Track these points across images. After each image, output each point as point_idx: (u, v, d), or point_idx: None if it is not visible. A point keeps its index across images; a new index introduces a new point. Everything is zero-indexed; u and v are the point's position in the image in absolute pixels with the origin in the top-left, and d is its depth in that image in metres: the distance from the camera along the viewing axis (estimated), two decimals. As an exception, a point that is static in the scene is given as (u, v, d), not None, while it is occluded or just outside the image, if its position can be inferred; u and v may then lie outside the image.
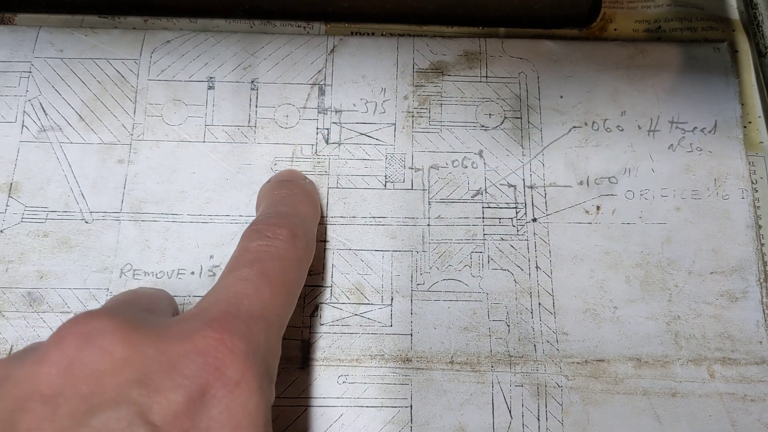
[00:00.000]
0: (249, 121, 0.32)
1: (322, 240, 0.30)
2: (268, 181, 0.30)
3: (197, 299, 0.29)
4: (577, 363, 0.29)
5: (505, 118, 0.32)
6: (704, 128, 0.32)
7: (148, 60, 0.33)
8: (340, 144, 0.32)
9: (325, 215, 0.31)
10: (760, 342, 0.29)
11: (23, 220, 0.30)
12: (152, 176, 0.31)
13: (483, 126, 0.32)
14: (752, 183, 0.32)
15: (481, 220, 0.31)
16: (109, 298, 0.29)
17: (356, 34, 0.34)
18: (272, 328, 0.22)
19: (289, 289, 0.24)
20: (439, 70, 0.33)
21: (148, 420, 0.18)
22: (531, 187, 0.31)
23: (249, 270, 0.23)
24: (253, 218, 0.30)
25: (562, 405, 0.28)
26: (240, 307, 0.22)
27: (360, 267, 0.30)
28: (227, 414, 0.19)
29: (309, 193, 0.29)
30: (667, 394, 0.28)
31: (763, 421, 0.28)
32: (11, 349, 0.28)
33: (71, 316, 0.29)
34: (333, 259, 0.30)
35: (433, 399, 0.28)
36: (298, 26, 0.34)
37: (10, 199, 0.31)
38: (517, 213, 0.31)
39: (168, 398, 0.18)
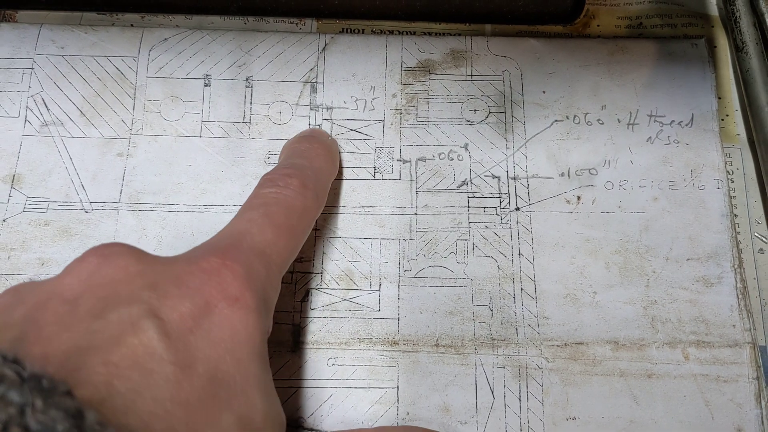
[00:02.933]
0: (244, 117, 0.33)
1: (313, 228, 0.32)
2: (294, 136, 0.32)
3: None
4: (557, 346, 0.30)
5: (490, 113, 0.34)
6: (681, 121, 0.33)
7: (147, 57, 0.34)
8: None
9: (316, 205, 0.32)
10: (734, 325, 0.30)
11: (25, 209, 0.31)
12: (150, 169, 0.32)
13: (468, 121, 0.33)
14: (728, 174, 0.33)
15: (467, 209, 0.32)
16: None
17: (346, 30, 0.36)
18: (272, 265, 0.24)
19: (292, 234, 0.26)
20: (426, 69, 0.34)
21: (158, 315, 0.19)
22: (514, 178, 0.33)
23: (255, 212, 0.25)
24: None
25: (542, 386, 0.29)
26: (243, 241, 0.23)
27: (349, 254, 0.31)
28: (227, 323, 0.21)
29: (328, 149, 0.31)
30: (643, 376, 0.29)
31: (735, 401, 0.29)
32: (14, 334, 0.29)
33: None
34: (323, 246, 0.31)
35: (418, 380, 0.29)
36: (291, 23, 0.36)
37: (12, 190, 0.32)
38: (500, 202, 0.32)
39: (175, 302, 0.20)
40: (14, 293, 0.21)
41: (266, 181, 0.27)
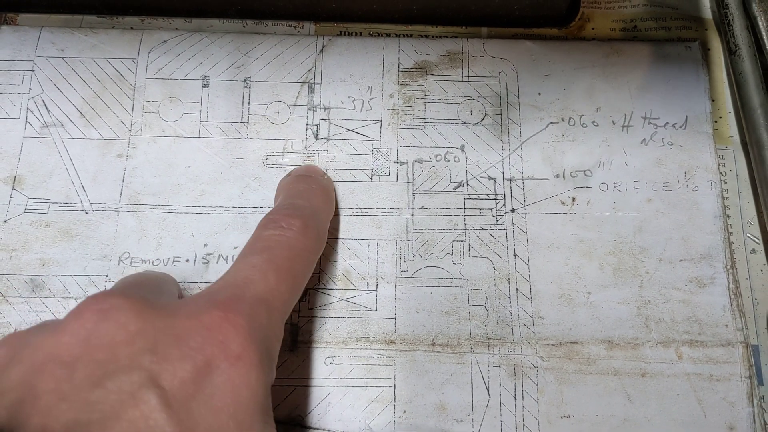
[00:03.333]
0: (242, 118, 0.34)
1: (311, 230, 0.32)
2: (288, 175, 0.32)
3: (192, 285, 0.31)
4: (552, 345, 0.30)
5: (486, 114, 0.34)
6: (675, 123, 0.34)
7: (146, 59, 0.34)
8: (328, 139, 0.33)
9: (314, 206, 0.32)
10: (726, 325, 0.31)
11: (26, 211, 0.32)
12: (149, 170, 0.33)
13: (465, 122, 0.34)
14: (721, 175, 0.34)
15: (463, 210, 0.32)
16: (108, 283, 0.31)
17: (344, 33, 0.36)
18: (275, 312, 0.24)
19: (295, 278, 0.25)
20: (423, 70, 0.35)
21: (158, 384, 0.19)
22: (510, 180, 0.33)
23: (258, 257, 0.25)
24: (246, 209, 0.32)
25: (537, 384, 0.30)
26: (246, 291, 0.23)
27: (347, 255, 0.32)
28: (230, 384, 0.20)
29: (325, 188, 0.31)
30: (637, 375, 0.30)
31: (728, 399, 0.29)
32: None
33: (72, 301, 0.30)
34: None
35: (415, 379, 0.30)
36: (289, 26, 0.36)
37: (14, 191, 0.32)
38: (496, 204, 0.33)
39: (176, 366, 0.20)
40: (9, 348, 0.20)
41: (268, 221, 0.27)
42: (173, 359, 0.20)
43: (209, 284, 0.30)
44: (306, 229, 0.26)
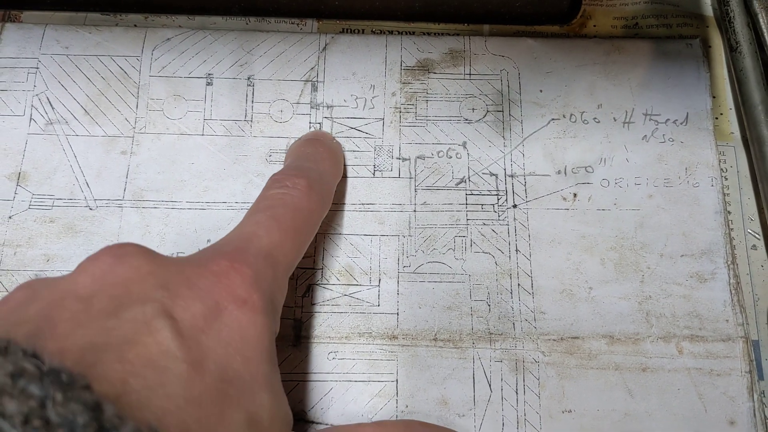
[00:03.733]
0: (245, 116, 0.34)
1: (313, 226, 0.32)
2: (299, 139, 0.33)
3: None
4: (554, 340, 0.30)
5: (488, 111, 0.34)
6: (676, 120, 0.34)
7: (150, 57, 0.34)
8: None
9: (316, 202, 0.33)
10: (727, 320, 0.31)
11: (31, 207, 0.32)
12: (153, 166, 0.33)
13: (467, 119, 0.34)
14: (722, 171, 0.34)
15: (465, 206, 0.33)
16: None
17: (347, 30, 0.36)
18: (279, 266, 0.24)
19: (298, 235, 0.26)
20: (425, 68, 0.35)
21: (171, 315, 0.20)
22: (512, 176, 0.33)
23: (263, 214, 0.26)
24: (249, 204, 0.32)
25: (539, 379, 0.30)
26: (250, 244, 0.24)
27: (350, 250, 0.32)
28: (236, 323, 0.21)
29: (333, 151, 0.32)
30: (638, 369, 0.30)
31: (728, 394, 0.30)
32: (20, 328, 0.30)
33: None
34: (324, 243, 0.32)
35: (417, 374, 0.30)
36: (292, 23, 0.36)
37: (18, 187, 0.32)
38: (498, 200, 0.33)
39: (187, 302, 0.21)
40: (28, 289, 0.21)
41: (273, 182, 0.27)
42: (184, 296, 0.21)
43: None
44: (310, 189, 0.27)
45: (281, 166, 0.33)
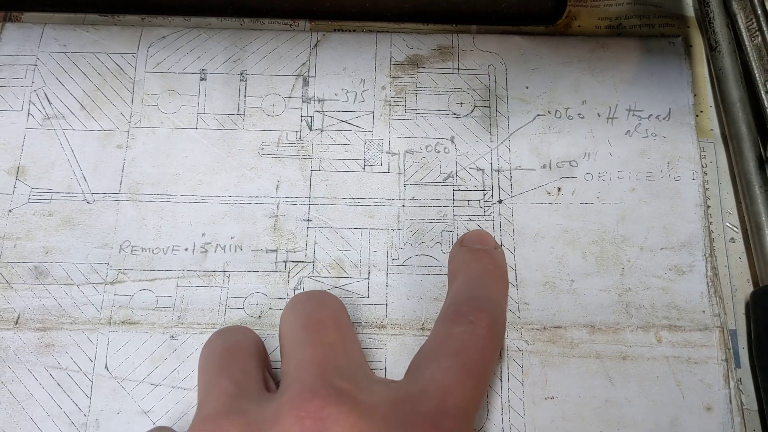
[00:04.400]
0: (238, 110, 0.35)
1: (305, 219, 0.33)
2: (461, 243, 0.31)
3: (191, 273, 0.32)
4: (537, 329, 0.31)
5: (475, 107, 0.35)
6: (659, 115, 0.35)
7: (145, 54, 0.35)
8: (322, 130, 0.35)
9: (308, 196, 0.33)
10: (704, 311, 0.32)
11: (30, 200, 0.33)
12: (148, 160, 0.34)
13: (455, 114, 0.35)
14: (702, 167, 0.35)
15: (452, 201, 0.34)
16: (110, 271, 0.32)
17: (338, 30, 0.37)
18: (472, 421, 0.24)
19: (485, 380, 0.26)
20: (414, 63, 0.36)
21: None
22: (498, 171, 0.34)
23: (453, 360, 0.25)
24: (242, 198, 0.33)
25: (522, 367, 0.31)
26: (448, 401, 0.24)
27: (340, 243, 0.33)
28: None
29: (502, 267, 0.31)
30: (618, 358, 0.31)
31: (705, 381, 0.31)
32: (18, 317, 0.31)
33: (74, 288, 0.31)
34: (315, 236, 0.33)
35: (405, 361, 0.31)
36: (285, 24, 0.37)
37: (17, 181, 0.33)
38: (484, 195, 0.34)
39: None
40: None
41: (457, 315, 0.27)
42: None
43: (208, 273, 0.31)
44: (494, 324, 0.26)
45: (273, 159, 0.34)
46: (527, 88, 0.35)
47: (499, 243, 0.33)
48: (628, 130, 0.35)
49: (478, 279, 0.29)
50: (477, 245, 0.31)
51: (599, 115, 0.35)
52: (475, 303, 0.27)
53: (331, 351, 0.25)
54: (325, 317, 0.26)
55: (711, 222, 0.34)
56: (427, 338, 0.27)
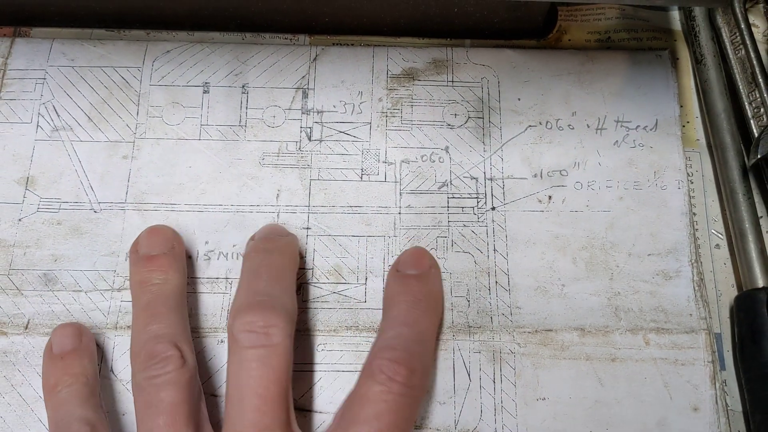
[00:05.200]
0: (240, 121, 0.36)
1: (305, 227, 0.34)
2: (396, 268, 0.33)
3: (194, 280, 0.33)
4: (529, 332, 0.33)
5: (469, 117, 0.36)
6: (646, 126, 0.36)
7: (150, 67, 0.37)
8: (321, 141, 0.36)
9: (307, 205, 0.35)
10: (690, 314, 0.33)
11: (39, 210, 0.34)
12: (153, 170, 0.35)
13: (449, 125, 0.36)
14: (688, 175, 0.36)
15: (446, 209, 0.35)
16: (116, 278, 0.33)
17: (337, 44, 0.38)
18: None
19: None
20: (410, 76, 0.37)
21: None
22: (491, 180, 0.35)
23: (368, 429, 0.26)
24: (243, 206, 0.34)
25: (515, 369, 0.32)
26: None
27: (338, 251, 0.34)
28: None
29: (433, 294, 0.32)
30: (607, 360, 0.32)
31: (692, 382, 0.32)
32: (28, 323, 0.32)
33: (82, 294, 0.33)
34: (314, 244, 0.34)
35: (401, 364, 0.32)
36: (285, 38, 0.38)
37: (27, 191, 0.34)
38: (478, 202, 0.35)
39: None
40: None
41: (375, 372, 0.27)
42: None
43: (211, 279, 0.33)
44: (411, 376, 0.27)
45: (273, 169, 0.35)
46: (519, 99, 0.37)
47: (493, 248, 0.34)
48: (617, 141, 0.36)
49: (403, 317, 0.30)
50: (410, 270, 0.32)
51: (588, 126, 0.36)
52: (393, 354, 0.28)
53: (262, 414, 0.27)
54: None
55: (697, 229, 0.35)
56: (356, 383, 0.28)
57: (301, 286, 0.33)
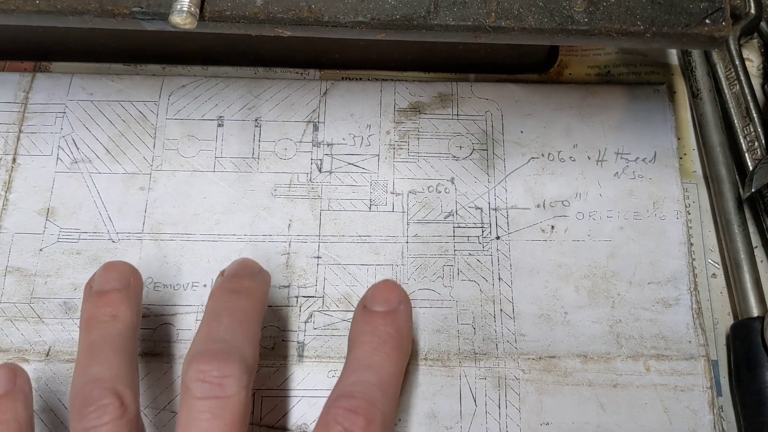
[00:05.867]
0: (253, 154, 0.37)
1: (315, 256, 0.35)
2: (363, 304, 0.31)
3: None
4: (533, 359, 0.34)
5: (474, 150, 0.38)
6: (645, 158, 0.38)
7: (166, 102, 0.38)
8: (331, 172, 0.37)
9: (318, 234, 0.36)
10: (689, 341, 0.34)
11: (59, 240, 0.35)
12: (169, 201, 0.36)
13: (454, 157, 0.38)
14: (686, 206, 0.37)
15: (452, 238, 0.36)
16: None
17: (346, 79, 0.40)
18: None
19: None
20: (416, 109, 0.38)
21: None
22: (495, 210, 0.37)
23: None
24: (256, 236, 0.35)
25: (519, 395, 0.33)
26: None
27: (348, 279, 0.35)
28: None
29: (399, 334, 0.30)
30: (609, 386, 0.33)
31: (691, 408, 0.33)
32: (49, 350, 0.33)
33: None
34: (325, 272, 0.35)
35: (409, 390, 0.33)
36: (296, 73, 0.40)
37: (47, 222, 0.36)
38: (483, 232, 0.36)
39: None
40: None
41: (328, 423, 0.27)
42: None
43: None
44: (369, 425, 0.26)
45: (285, 199, 0.36)
46: (522, 132, 0.38)
47: (498, 277, 0.35)
48: (617, 172, 0.37)
49: (366, 359, 0.29)
50: (377, 306, 0.31)
51: (589, 158, 0.37)
52: (351, 403, 0.27)
53: None
54: None
55: (694, 258, 0.36)
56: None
57: (312, 313, 0.34)
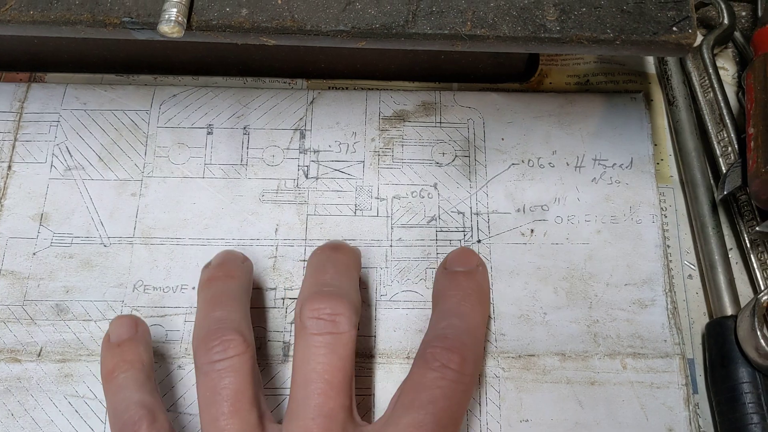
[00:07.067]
0: (241, 161, 0.38)
1: (302, 260, 0.36)
2: (444, 265, 0.34)
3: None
4: (512, 358, 0.35)
5: (456, 156, 0.39)
6: (622, 164, 0.39)
7: (158, 111, 0.39)
8: (317, 178, 0.38)
9: (304, 238, 0.37)
10: (665, 340, 0.35)
11: (52, 244, 0.36)
12: (160, 207, 0.37)
13: (437, 163, 0.39)
14: (662, 210, 0.38)
15: (435, 241, 0.37)
16: (124, 308, 0.35)
17: (332, 88, 0.41)
18: None
19: (458, 424, 0.29)
20: (401, 117, 0.40)
21: None
22: (477, 214, 0.38)
23: (424, 413, 0.28)
24: (244, 240, 0.36)
25: (499, 392, 0.34)
26: None
27: (333, 281, 0.36)
28: None
29: (481, 289, 0.34)
30: (587, 383, 0.34)
31: (667, 404, 0.34)
32: (41, 350, 0.34)
33: (92, 323, 0.35)
34: (311, 275, 0.36)
35: (392, 389, 0.33)
36: (284, 82, 0.41)
37: (41, 227, 0.37)
38: (464, 236, 0.37)
39: None
40: None
41: (429, 359, 0.29)
42: None
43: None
44: (464, 363, 0.29)
45: (273, 205, 0.37)
46: (503, 139, 0.39)
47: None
48: (594, 178, 0.38)
49: (454, 309, 0.32)
50: (457, 267, 0.34)
51: (568, 164, 0.39)
52: (446, 343, 0.29)
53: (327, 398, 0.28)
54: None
55: (671, 260, 0.37)
56: (409, 371, 0.30)
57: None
